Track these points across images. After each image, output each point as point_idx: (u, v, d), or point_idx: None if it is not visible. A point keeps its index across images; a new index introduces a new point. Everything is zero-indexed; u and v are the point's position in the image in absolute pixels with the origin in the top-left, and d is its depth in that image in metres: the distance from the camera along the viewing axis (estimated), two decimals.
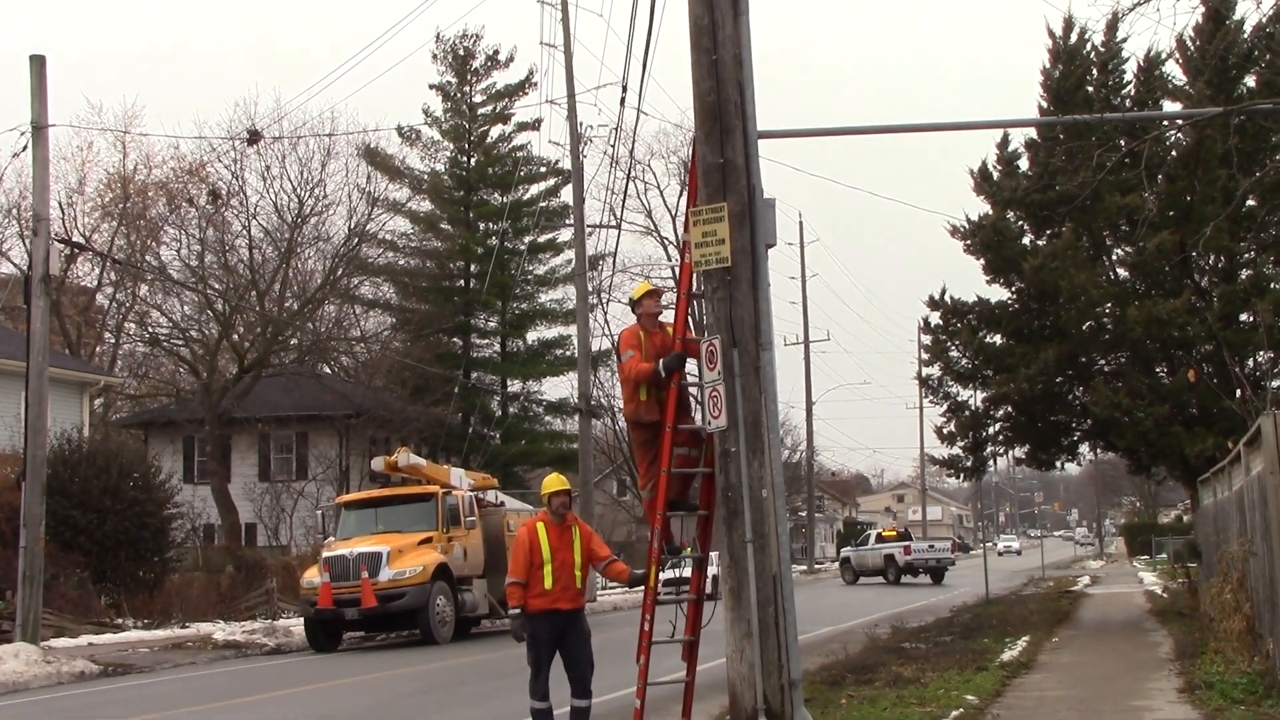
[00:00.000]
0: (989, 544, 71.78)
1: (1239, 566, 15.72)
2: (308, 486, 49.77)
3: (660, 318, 12.30)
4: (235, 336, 48.20)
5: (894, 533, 57.64)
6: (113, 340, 52.74)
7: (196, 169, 47.76)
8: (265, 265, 48.68)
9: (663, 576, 11.83)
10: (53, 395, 26.69)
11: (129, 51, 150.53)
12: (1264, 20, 23.32)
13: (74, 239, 44.21)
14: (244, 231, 48.65)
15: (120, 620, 30.61)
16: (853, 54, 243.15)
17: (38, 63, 24.71)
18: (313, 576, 27.01)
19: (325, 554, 27.25)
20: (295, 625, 29.35)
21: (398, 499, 28.13)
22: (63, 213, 46.72)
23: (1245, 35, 24.99)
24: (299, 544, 45.96)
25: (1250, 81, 25.32)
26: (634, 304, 12.37)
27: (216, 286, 47.73)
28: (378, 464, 29.06)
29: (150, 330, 50.52)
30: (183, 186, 48.03)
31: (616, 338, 12.36)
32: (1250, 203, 24.50)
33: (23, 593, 23.51)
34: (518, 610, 11.61)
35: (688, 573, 12.14)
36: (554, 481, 11.89)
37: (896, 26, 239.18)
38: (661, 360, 11.65)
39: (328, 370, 55.76)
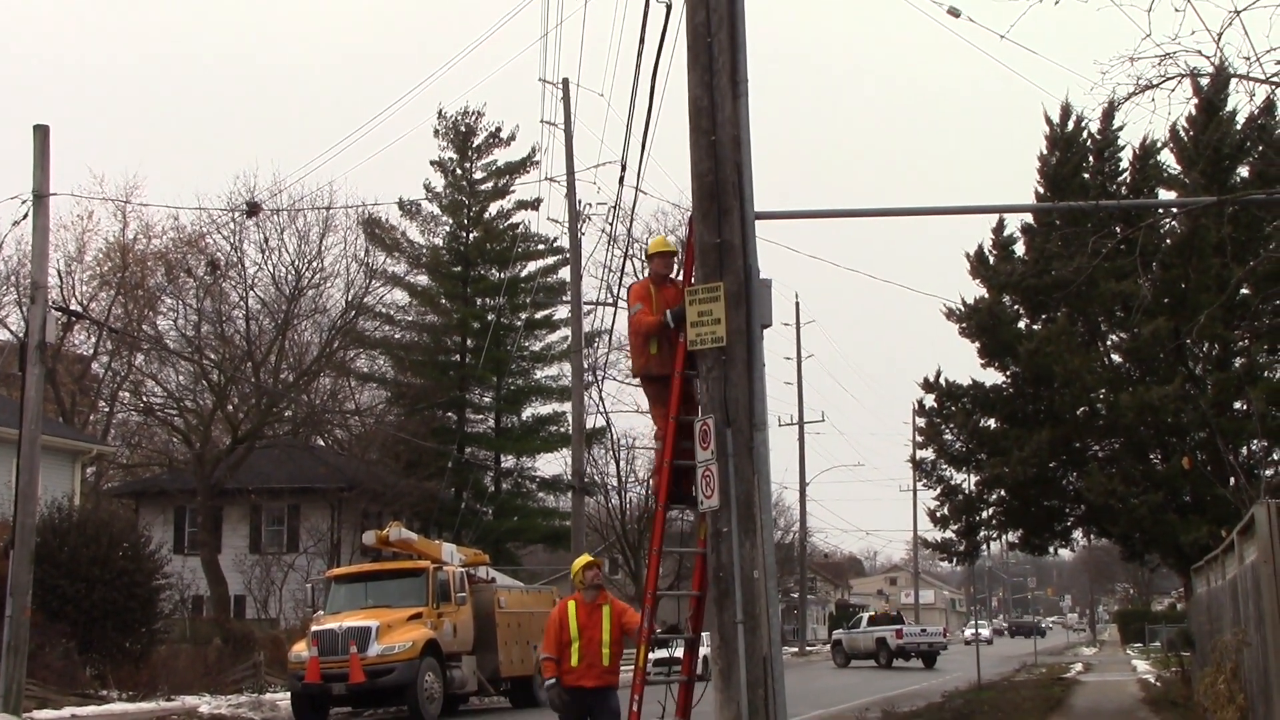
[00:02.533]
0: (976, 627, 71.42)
1: (1232, 656, 15.61)
2: (298, 559, 49.43)
3: (671, 276, 12.69)
4: (230, 407, 48.02)
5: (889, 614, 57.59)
6: (107, 409, 52.63)
7: (195, 240, 47.84)
8: (261, 337, 48.62)
9: (653, 656, 11.82)
10: (44, 463, 26.61)
11: (132, 123, 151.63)
12: (1256, 112, 23.58)
13: (71, 307, 44.19)
14: (241, 303, 48.64)
15: (105, 692, 30.21)
16: (850, 135, 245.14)
17: (41, 133, 24.86)
18: (301, 650, 26.74)
19: (314, 628, 27.00)
20: (282, 699, 29.06)
21: (388, 573, 27.99)
22: (61, 281, 46.93)
23: (1238, 126, 25.23)
24: (288, 617, 45.56)
25: (1243, 171, 25.53)
26: (649, 257, 12.79)
27: (212, 357, 47.65)
28: (369, 538, 28.94)
29: (145, 399, 50.36)
30: (181, 257, 48.10)
31: (626, 289, 12.69)
32: (1244, 291, 24.68)
33: (6, 662, 23.24)
34: (552, 681, 12.01)
35: (679, 653, 12.12)
36: (584, 560, 12.28)
37: (895, 111, 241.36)
38: (669, 311, 11.93)
39: (321, 443, 55.57)
